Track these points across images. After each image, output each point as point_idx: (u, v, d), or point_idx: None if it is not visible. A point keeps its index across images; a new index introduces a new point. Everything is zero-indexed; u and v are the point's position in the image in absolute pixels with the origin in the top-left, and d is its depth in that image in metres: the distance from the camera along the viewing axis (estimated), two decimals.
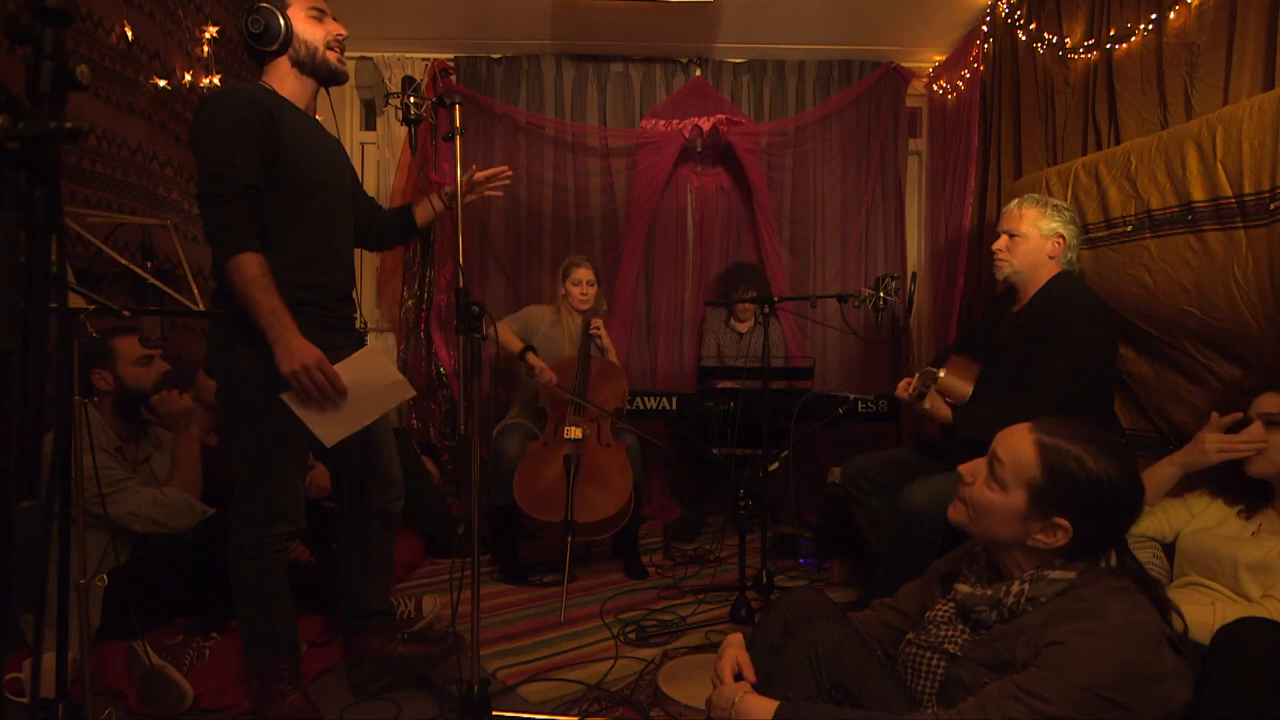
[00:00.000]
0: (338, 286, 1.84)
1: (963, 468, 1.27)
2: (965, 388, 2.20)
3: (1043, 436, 1.16)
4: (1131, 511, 1.15)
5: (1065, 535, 1.13)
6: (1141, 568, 1.18)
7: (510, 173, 2.03)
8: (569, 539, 2.62)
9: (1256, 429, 1.62)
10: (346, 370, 1.65)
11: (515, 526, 2.83)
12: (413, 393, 1.85)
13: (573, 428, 2.80)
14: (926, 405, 2.15)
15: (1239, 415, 1.66)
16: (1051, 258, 2.17)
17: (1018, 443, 1.18)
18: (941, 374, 2.20)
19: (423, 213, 2.04)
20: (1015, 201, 2.26)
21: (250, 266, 1.57)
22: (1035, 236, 2.17)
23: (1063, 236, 2.16)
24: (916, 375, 2.28)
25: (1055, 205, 2.19)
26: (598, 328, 3.11)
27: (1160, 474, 1.74)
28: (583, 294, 3.13)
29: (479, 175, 1.99)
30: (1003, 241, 2.22)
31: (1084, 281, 2.28)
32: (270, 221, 1.66)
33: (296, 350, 1.57)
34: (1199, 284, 2.07)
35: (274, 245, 1.65)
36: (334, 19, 1.80)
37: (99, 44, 2.36)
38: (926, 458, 2.28)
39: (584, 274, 3.14)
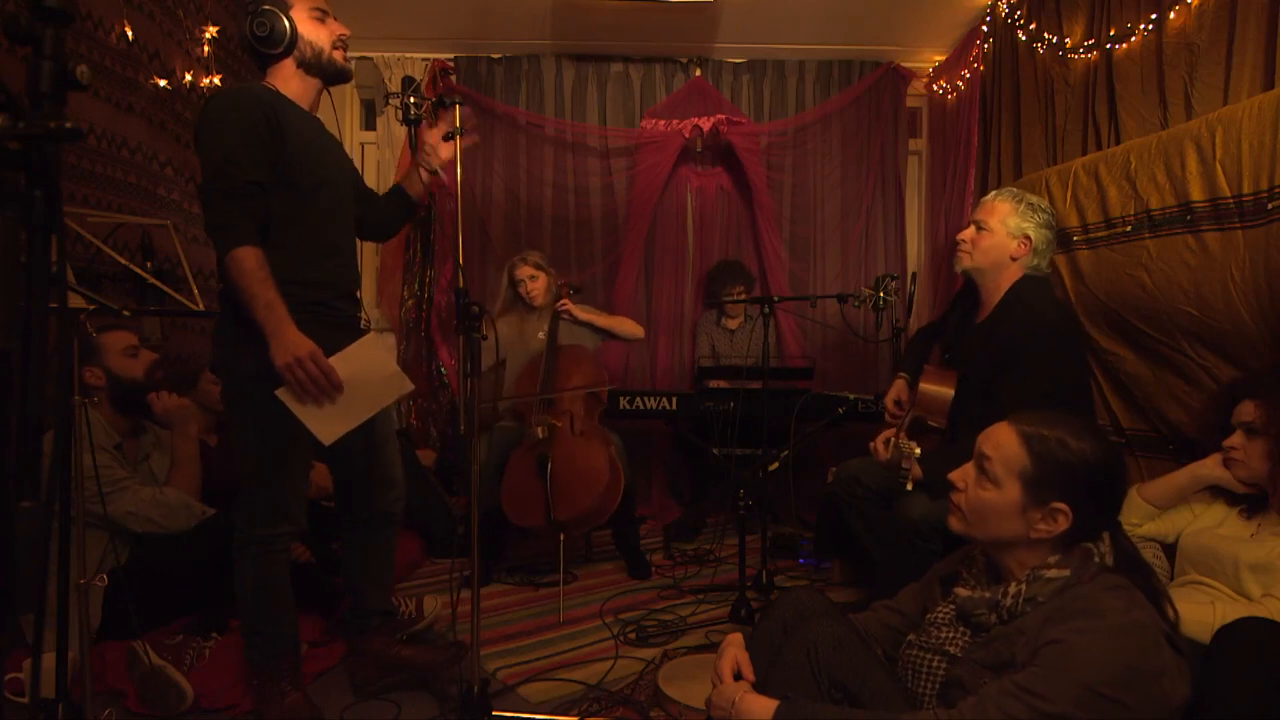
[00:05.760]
0: (342, 284, 1.84)
1: (953, 475, 1.27)
2: (946, 392, 2.13)
3: (1023, 427, 1.19)
4: (1118, 482, 1.18)
5: (1066, 519, 1.14)
6: (1136, 551, 1.19)
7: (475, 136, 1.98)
8: (560, 537, 2.62)
9: (1237, 437, 1.64)
10: (342, 363, 1.61)
11: (497, 530, 2.81)
12: (411, 386, 1.81)
13: (538, 427, 2.74)
14: (909, 487, 1.91)
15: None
16: (1014, 259, 2.03)
17: (1001, 438, 1.21)
18: (917, 451, 1.94)
19: (413, 187, 2.04)
20: (994, 193, 2.10)
21: (248, 260, 1.57)
22: (1001, 233, 2.03)
23: (1029, 239, 2.01)
24: (891, 445, 2.07)
25: (1031, 204, 2.03)
26: (565, 308, 2.99)
27: (1176, 481, 1.76)
28: (534, 289, 3.03)
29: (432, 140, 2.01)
30: (969, 232, 2.10)
31: (1050, 290, 2.11)
32: (275, 220, 1.66)
33: (291, 343, 1.56)
34: (1197, 284, 2.07)
35: (279, 243, 1.65)
36: (335, 19, 1.80)
37: (99, 44, 2.36)
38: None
39: (525, 271, 3.04)
